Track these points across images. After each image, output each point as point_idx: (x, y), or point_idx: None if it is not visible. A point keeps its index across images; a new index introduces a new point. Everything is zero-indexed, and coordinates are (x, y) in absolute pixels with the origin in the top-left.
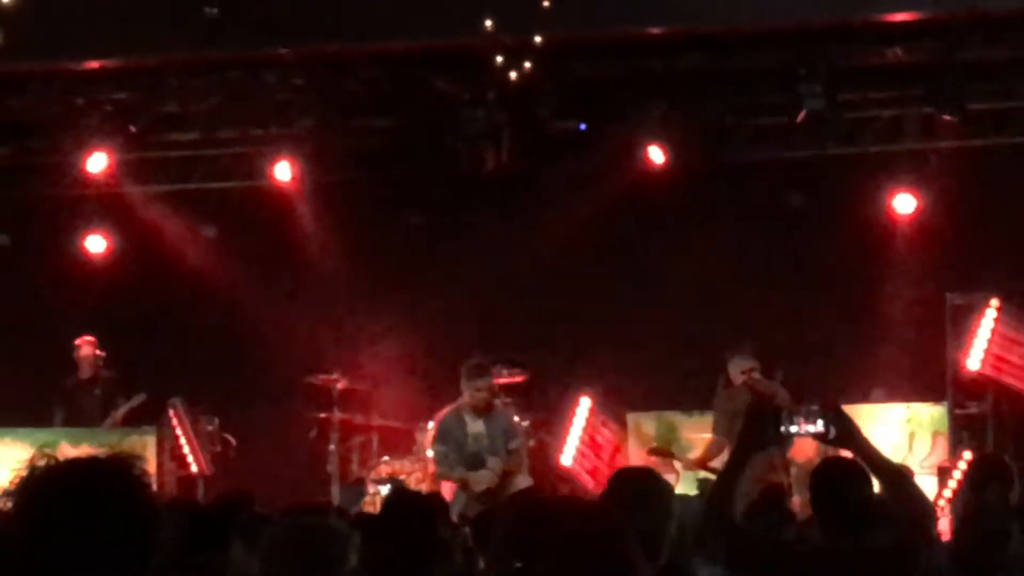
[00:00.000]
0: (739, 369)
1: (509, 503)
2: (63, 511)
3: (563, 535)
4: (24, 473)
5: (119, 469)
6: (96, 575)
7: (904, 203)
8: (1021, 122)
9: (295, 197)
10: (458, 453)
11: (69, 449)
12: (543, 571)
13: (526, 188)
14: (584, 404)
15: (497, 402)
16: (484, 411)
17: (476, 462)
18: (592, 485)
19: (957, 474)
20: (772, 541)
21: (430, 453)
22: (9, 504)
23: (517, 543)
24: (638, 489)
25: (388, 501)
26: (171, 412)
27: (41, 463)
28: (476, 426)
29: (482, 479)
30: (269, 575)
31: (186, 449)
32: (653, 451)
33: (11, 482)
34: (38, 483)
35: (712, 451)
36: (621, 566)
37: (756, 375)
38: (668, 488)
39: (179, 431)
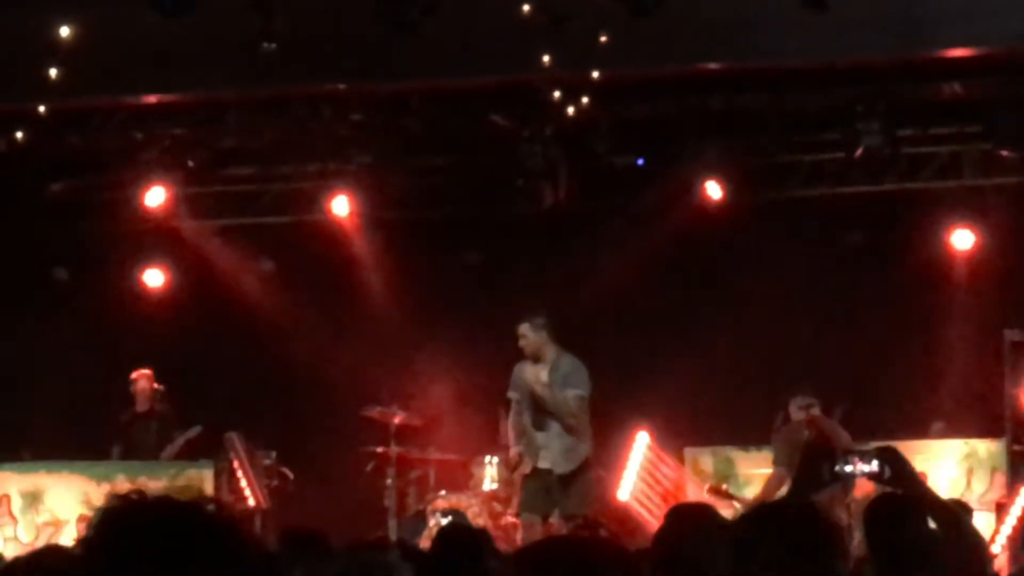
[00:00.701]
0: (798, 406)
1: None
2: (142, 546)
3: None
4: (106, 512)
5: (207, 510)
6: None
7: (962, 239)
8: None
9: (352, 232)
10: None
11: (125, 483)
12: None
13: (584, 225)
14: (642, 439)
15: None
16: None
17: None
18: (652, 521)
19: (1016, 510)
20: None
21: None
22: (91, 542)
23: None
24: (695, 526)
25: (438, 535)
26: (228, 445)
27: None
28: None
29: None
30: None
31: (243, 483)
32: (712, 490)
33: (92, 521)
34: (120, 518)
35: (772, 485)
36: None
37: (816, 411)
38: (725, 524)
39: (236, 464)
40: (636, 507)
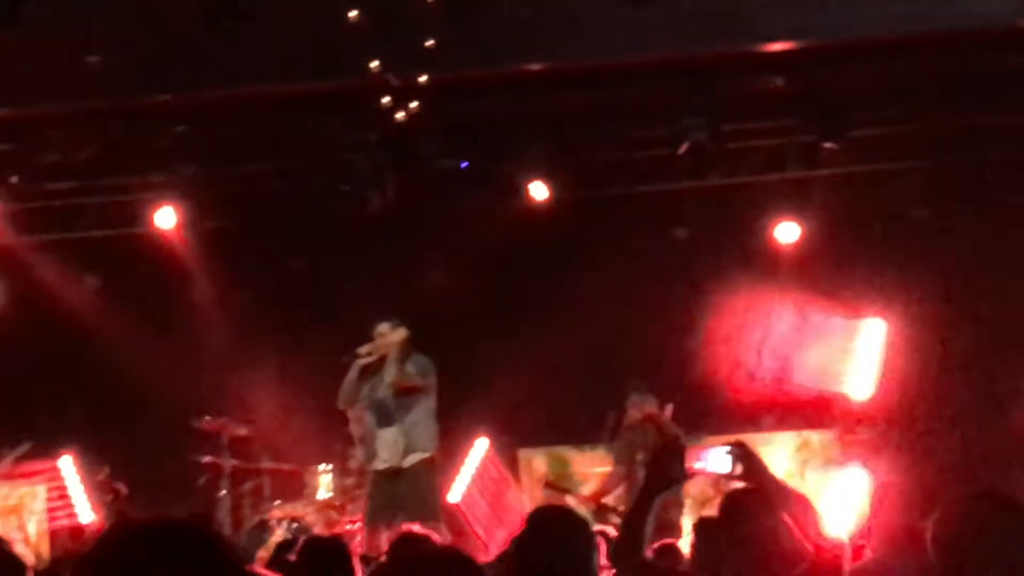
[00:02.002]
0: (635, 404)
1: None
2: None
3: None
4: (115, 525)
5: (203, 533)
6: None
7: (787, 232)
8: (901, 147)
9: (178, 243)
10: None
11: None
12: None
13: (411, 229)
14: (481, 444)
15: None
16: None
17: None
18: (477, 525)
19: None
20: None
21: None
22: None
23: None
24: (560, 527)
25: (303, 546)
26: (60, 465)
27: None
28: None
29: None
30: None
31: (76, 500)
32: (548, 485)
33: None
34: (119, 545)
35: (610, 483)
36: None
37: (652, 408)
38: (587, 525)
39: (69, 483)
40: (464, 510)
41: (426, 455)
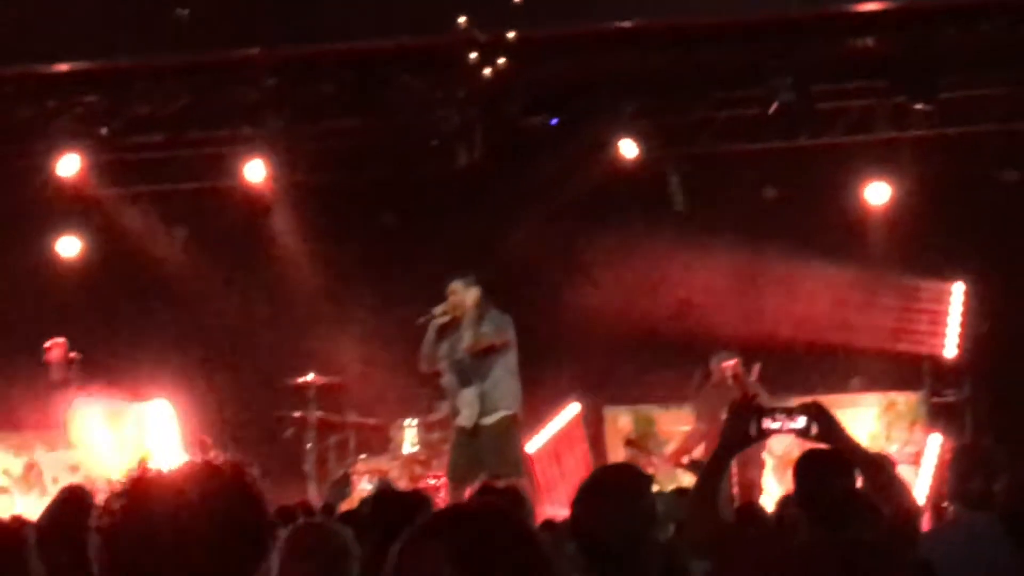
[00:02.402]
0: (720, 363)
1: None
2: (174, 514)
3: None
4: (130, 481)
5: (235, 476)
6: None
7: (876, 192)
8: (991, 110)
9: (267, 197)
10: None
11: (43, 452)
12: None
13: (499, 185)
14: (572, 408)
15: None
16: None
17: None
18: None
19: (930, 464)
20: (759, 537)
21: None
22: (116, 511)
23: None
24: (614, 489)
25: (373, 499)
26: (150, 412)
27: (145, 471)
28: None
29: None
30: None
31: (162, 450)
32: (629, 443)
33: (117, 489)
34: (150, 485)
35: (690, 442)
36: None
37: (737, 367)
38: (647, 487)
39: (156, 433)
40: (536, 465)
41: (508, 413)
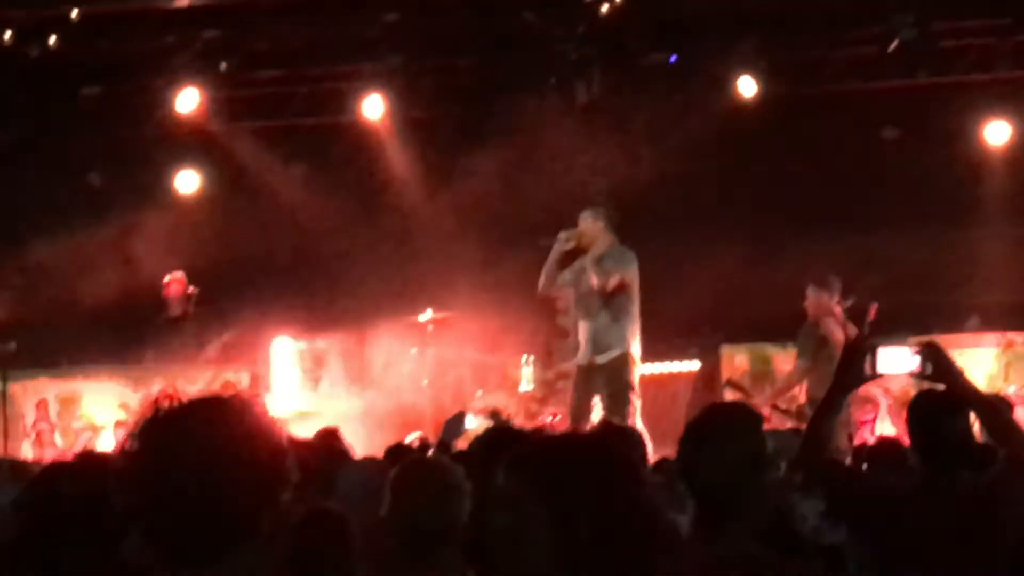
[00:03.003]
0: (813, 299)
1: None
2: (191, 450)
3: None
4: (149, 414)
5: (245, 407)
6: (227, 515)
7: (997, 132)
8: None
9: (385, 132)
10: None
11: (162, 387)
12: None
13: (617, 122)
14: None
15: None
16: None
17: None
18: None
19: None
20: (871, 480)
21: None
22: (134, 444)
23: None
24: (730, 424)
25: (481, 436)
26: (271, 351)
27: (164, 403)
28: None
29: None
30: (399, 514)
31: (276, 389)
32: (730, 383)
33: (135, 423)
34: (164, 423)
35: (793, 378)
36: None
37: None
38: (760, 421)
39: (273, 370)
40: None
41: (622, 351)
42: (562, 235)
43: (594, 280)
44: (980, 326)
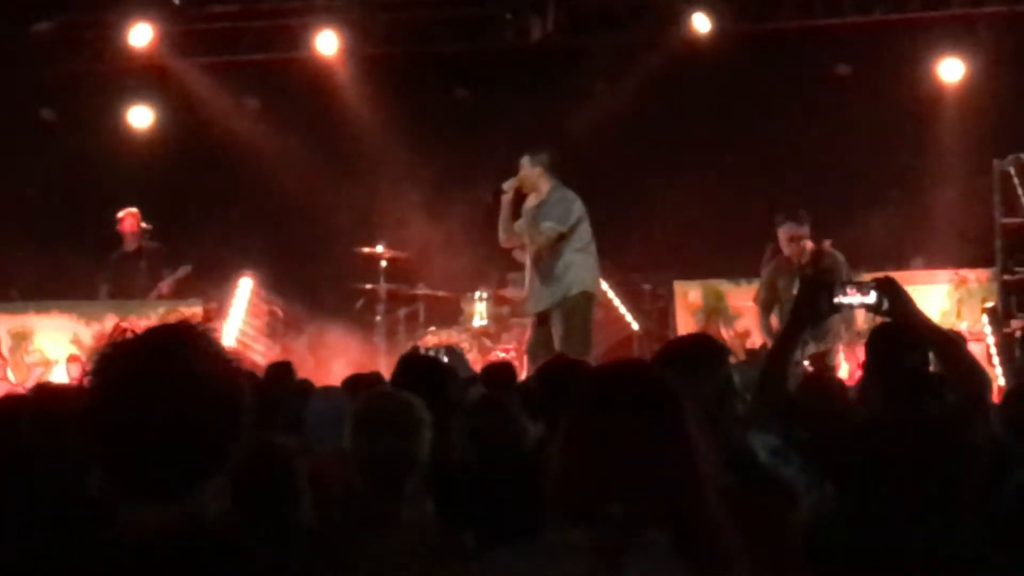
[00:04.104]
0: (789, 235)
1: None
2: (148, 380)
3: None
4: (105, 347)
5: (200, 334)
6: (190, 446)
7: (951, 69)
8: None
9: (339, 68)
10: None
11: (114, 321)
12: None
13: (572, 59)
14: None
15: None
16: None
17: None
18: None
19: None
20: (827, 412)
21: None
22: (92, 379)
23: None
24: (696, 354)
25: (399, 362)
26: (240, 283)
27: (119, 337)
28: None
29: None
30: (362, 446)
31: (229, 323)
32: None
33: (91, 358)
34: (120, 356)
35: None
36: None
37: (807, 242)
38: (724, 351)
39: (231, 304)
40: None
41: (581, 290)
42: (504, 185)
43: (532, 240)
44: (933, 263)
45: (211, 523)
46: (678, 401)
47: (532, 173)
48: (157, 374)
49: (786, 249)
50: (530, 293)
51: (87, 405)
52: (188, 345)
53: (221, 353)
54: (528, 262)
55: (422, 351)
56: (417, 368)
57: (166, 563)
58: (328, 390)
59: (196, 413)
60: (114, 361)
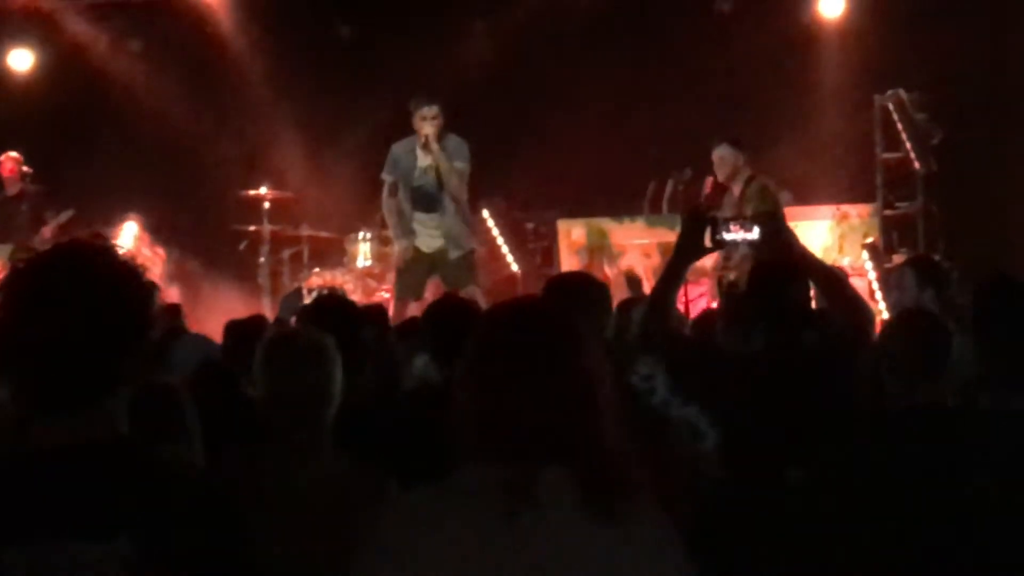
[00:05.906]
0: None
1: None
2: (55, 288)
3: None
4: (12, 266)
5: (105, 248)
6: (93, 359)
7: (831, 5)
8: None
9: (221, 9)
10: (406, 185)
11: None
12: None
13: None
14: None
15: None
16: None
17: (427, 200)
18: None
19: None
20: (711, 346)
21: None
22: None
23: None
24: (576, 291)
25: (309, 306)
26: (125, 226)
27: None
28: (424, 160)
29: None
30: (274, 386)
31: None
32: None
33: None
34: (26, 271)
35: None
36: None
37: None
38: (605, 290)
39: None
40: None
41: (472, 247)
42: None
43: (440, 170)
44: (792, 201)
45: (125, 435)
46: (575, 334)
47: (442, 121)
48: (64, 283)
49: (725, 174)
50: (419, 227)
51: None
52: (94, 256)
53: (127, 262)
54: (407, 199)
55: (304, 292)
56: (329, 309)
57: (83, 474)
58: (195, 338)
59: (106, 319)
60: (20, 275)
